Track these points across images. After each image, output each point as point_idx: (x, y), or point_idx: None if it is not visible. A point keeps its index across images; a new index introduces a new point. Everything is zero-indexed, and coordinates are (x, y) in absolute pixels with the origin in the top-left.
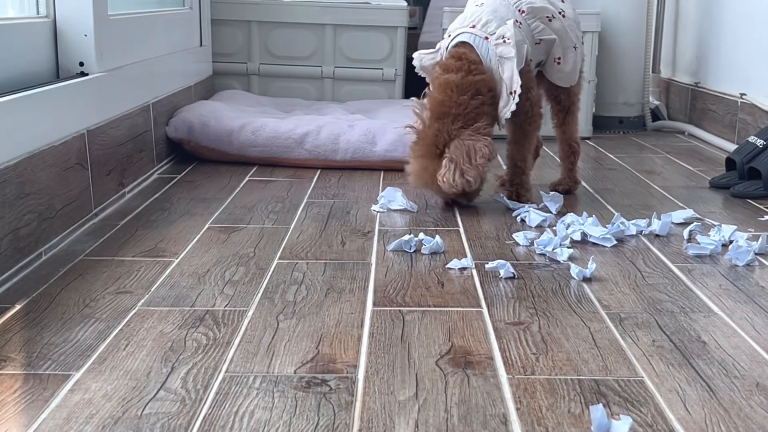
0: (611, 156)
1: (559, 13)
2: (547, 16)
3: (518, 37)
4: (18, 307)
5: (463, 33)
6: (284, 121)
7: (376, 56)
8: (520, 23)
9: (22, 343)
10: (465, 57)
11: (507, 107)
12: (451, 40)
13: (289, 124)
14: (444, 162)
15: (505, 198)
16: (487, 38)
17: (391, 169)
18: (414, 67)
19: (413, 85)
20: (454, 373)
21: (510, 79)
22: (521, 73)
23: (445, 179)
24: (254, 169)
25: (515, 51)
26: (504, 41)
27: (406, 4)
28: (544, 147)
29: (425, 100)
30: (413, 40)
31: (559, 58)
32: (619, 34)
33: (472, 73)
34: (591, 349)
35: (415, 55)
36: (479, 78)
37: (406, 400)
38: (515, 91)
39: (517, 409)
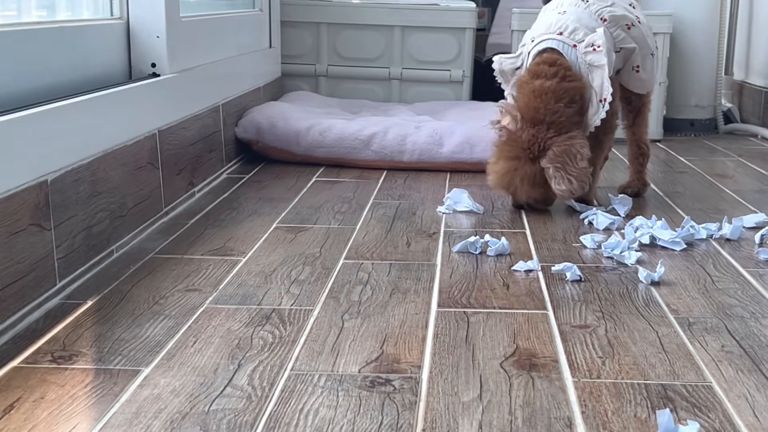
0: (682, 159)
1: (636, 19)
2: (627, 24)
3: (608, 45)
4: (90, 303)
5: (549, 39)
6: (351, 123)
7: (444, 58)
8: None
9: (93, 339)
10: (559, 63)
11: (597, 115)
12: (535, 45)
13: (356, 125)
14: (549, 172)
15: (572, 200)
16: (575, 46)
17: (458, 170)
18: (482, 69)
19: (480, 87)
20: (519, 375)
21: (600, 86)
22: None
23: (563, 188)
24: (321, 169)
25: (606, 59)
26: (594, 49)
27: (474, 5)
28: (613, 150)
29: (511, 102)
30: (481, 41)
31: (638, 66)
32: (691, 35)
33: (567, 80)
34: (658, 353)
35: (495, 58)
36: (574, 85)
37: (470, 402)
38: (605, 99)
39: (582, 413)
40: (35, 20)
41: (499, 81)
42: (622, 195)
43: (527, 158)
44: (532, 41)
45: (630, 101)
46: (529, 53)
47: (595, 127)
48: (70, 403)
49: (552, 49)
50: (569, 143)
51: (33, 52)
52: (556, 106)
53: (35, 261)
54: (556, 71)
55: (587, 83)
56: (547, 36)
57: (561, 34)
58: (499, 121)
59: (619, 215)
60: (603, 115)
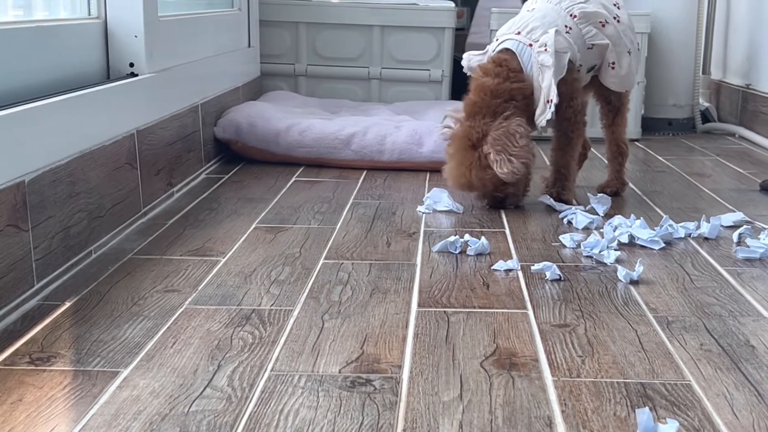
0: (660, 158)
1: (614, 18)
2: (601, 21)
3: (559, 46)
4: (68, 304)
5: (508, 39)
6: (331, 122)
7: (424, 57)
8: (570, 28)
9: (71, 340)
10: (506, 64)
11: (543, 115)
12: (498, 44)
13: (336, 125)
14: (491, 157)
15: (551, 200)
16: (530, 45)
17: (437, 170)
18: (461, 68)
19: (460, 87)
20: (499, 375)
21: (548, 87)
22: (567, 80)
23: (505, 171)
24: (301, 169)
25: (553, 60)
26: (545, 50)
27: (453, 5)
28: (591, 149)
29: (456, 106)
30: (461, 41)
31: (614, 63)
32: (669, 35)
33: (510, 80)
34: (638, 352)
35: (464, 55)
36: (516, 86)
37: (451, 401)
38: (551, 100)
39: (562, 412)
40: (11, 20)
41: (470, 76)
42: (600, 194)
43: (467, 147)
44: (497, 40)
45: (609, 101)
46: (493, 51)
47: (563, 125)
48: (49, 405)
49: (507, 50)
50: (506, 125)
51: (9, 52)
52: (493, 102)
53: (13, 262)
54: (500, 71)
55: (534, 83)
56: (507, 36)
57: (519, 33)
58: (448, 127)
59: (598, 214)
60: (549, 116)
